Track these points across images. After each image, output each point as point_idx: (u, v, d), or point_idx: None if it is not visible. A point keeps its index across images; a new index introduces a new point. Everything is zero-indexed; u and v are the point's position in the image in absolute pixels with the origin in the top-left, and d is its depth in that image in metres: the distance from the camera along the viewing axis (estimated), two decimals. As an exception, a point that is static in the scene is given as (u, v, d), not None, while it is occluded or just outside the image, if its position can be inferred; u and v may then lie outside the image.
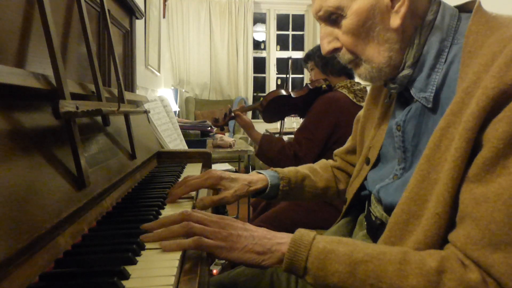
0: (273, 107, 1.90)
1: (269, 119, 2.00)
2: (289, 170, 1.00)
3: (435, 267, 0.54)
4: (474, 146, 0.56)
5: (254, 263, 0.62)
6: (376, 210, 0.79)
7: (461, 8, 0.70)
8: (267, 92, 6.01)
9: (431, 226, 0.60)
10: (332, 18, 0.70)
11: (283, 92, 1.90)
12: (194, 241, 0.61)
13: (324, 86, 1.82)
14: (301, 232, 0.63)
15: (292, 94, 1.89)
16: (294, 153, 1.72)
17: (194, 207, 0.87)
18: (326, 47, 0.73)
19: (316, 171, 1.04)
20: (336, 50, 0.73)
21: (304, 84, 1.94)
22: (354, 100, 1.76)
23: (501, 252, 0.51)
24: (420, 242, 0.60)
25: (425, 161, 0.63)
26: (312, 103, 1.81)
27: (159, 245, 0.61)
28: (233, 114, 1.94)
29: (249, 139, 5.22)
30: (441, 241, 0.60)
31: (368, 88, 1.84)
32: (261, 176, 0.96)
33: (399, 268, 0.55)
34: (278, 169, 0.99)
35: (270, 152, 1.75)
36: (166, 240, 0.62)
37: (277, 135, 1.96)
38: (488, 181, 0.54)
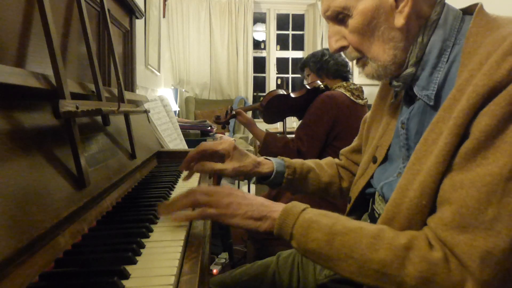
0: (273, 107, 1.94)
1: (269, 120, 2.03)
2: (295, 161, 1.01)
3: (404, 244, 0.59)
4: (462, 140, 0.58)
5: (252, 228, 0.69)
6: (380, 207, 0.80)
7: (465, 11, 0.72)
8: (267, 92, 6.01)
9: (415, 216, 0.63)
10: (339, 17, 0.73)
11: (282, 91, 1.93)
12: (199, 212, 0.70)
13: (322, 86, 1.87)
14: (293, 203, 0.70)
15: (291, 94, 1.94)
16: (298, 149, 1.75)
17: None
18: (333, 45, 0.76)
19: (321, 166, 1.05)
20: (343, 48, 0.76)
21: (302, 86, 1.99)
22: (352, 97, 1.81)
23: (468, 234, 0.55)
24: (404, 229, 0.63)
25: (413, 154, 0.66)
26: (310, 101, 1.85)
27: (170, 219, 0.71)
28: (234, 112, 1.96)
29: (249, 138, 5.21)
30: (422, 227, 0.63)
31: (364, 88, 1.90)
32: (268, 162, 0.98)
33: (372, 242, 0.60)
34: (285, 158, 1.00)
35: (275, 148, 1.79)
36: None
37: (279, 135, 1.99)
38: (468, 169, 0.57)
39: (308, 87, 1.90)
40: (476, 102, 0.56)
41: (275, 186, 0.99)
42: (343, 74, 1.90)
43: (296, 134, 1.81)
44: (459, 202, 0.56)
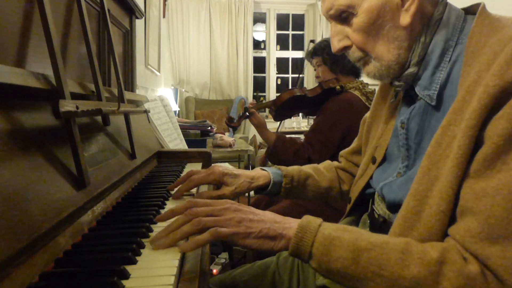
0: (286, 106, 1.85)
1: (279, 118, 1.94)
2: (292, 169, 1.00)
3: (436, 258, 0.55)
4: (476, 143, 0.57)
5: (267, 248, 0.63)
6: (380, 208, 0.80)
7: (468, 10, 0.71)
8: (267, 91, 6.01)
9: (435, 223, 0.60)
10: (343, 16, 0.72)
11: (299, 91, 1.83)
12: (211, 233, 0.61)
13: (338, 87, 1.77)
14: (308, 218, 0.64)
15: (306, 94, 1.83)
16: (308, 157, 1.68)
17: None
18: (336, 45, 0.75)
19: (320, 171, 1.04)
20: (346, 48, 0.75)
21: (317, 83, 1.87)
22: (366, 103, 1.72)
23: (499, 245, 0.52)
24: (424, 238, 0.61)
25: (426, 158, 0.64)
26: (323, 102, 1.77)
27: (178, 249, 0.61)
28: (247, 113, 1.83)
29: (249, 138, 5.18)
30: (444, 236, 0.61)
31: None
32: (264, 173, 0.97)
33: (401, 257, 0.56)
34: (282, 167, 1.00)
35: (284, 155, 1.69)
36: (180, 240, 0.63)
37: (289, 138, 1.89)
38: (488, 176, 0.55)
39: (323, 86, 1.80)
40: (488, 103, 0.55)
41: (273, 195, 0.99)
42: (357, 71, 1.80)
43: (307, 139, 1.73)
44: (485, 211, 0.54)
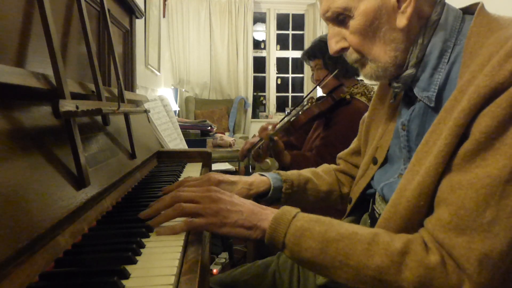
0: (304, 126, 1.78)
1: (294, 135, 1.86)
2: (291, 173, 0.99)
3: (399, 248, 0.58)
4: (461, 141, 0.58)
5: (242, 236, 0.68)
6: (380, 207, 0.80)
7: (466, 10, 0.71)
8: (267, 91, 6.01)
9: (412, 216, 0.62)
10: (340, 18, 0.72)
11: (317, 111, 1.74)
12: (186, 224, 0.67)
13: (347, 96, 1.72)
14: (283, 210, 0.69)
15: (321, 109, 1.74)
16: None
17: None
18: (333, 47, 0.75)
19: (319, 174, 1.03)
20: (344, 49, 0.75)
21: (326, 94, 1.79)
22: None
23: (465, 236, 0.54)
24: (401, 230, 0.63)
25: (414, 155, 0.65)
26: (333, 110, 1.74)
27: (155, 233, 0.67)
28: (272, 142, 1.68)
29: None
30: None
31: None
32: (263, 179, 0.95)
33: (367, 248, 0.60)
34: (281, 171, 0.98)
35: None
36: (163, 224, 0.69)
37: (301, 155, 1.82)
38: (467, 170, 0.56)
39: (335, 98, 1.73)
40: (477, 102, 0.56)
41: (274, 202, 0.96)
42: (357, 70, 1.72)
43: (318, 151, 1.70)
44: (457, 203, 0.56)
